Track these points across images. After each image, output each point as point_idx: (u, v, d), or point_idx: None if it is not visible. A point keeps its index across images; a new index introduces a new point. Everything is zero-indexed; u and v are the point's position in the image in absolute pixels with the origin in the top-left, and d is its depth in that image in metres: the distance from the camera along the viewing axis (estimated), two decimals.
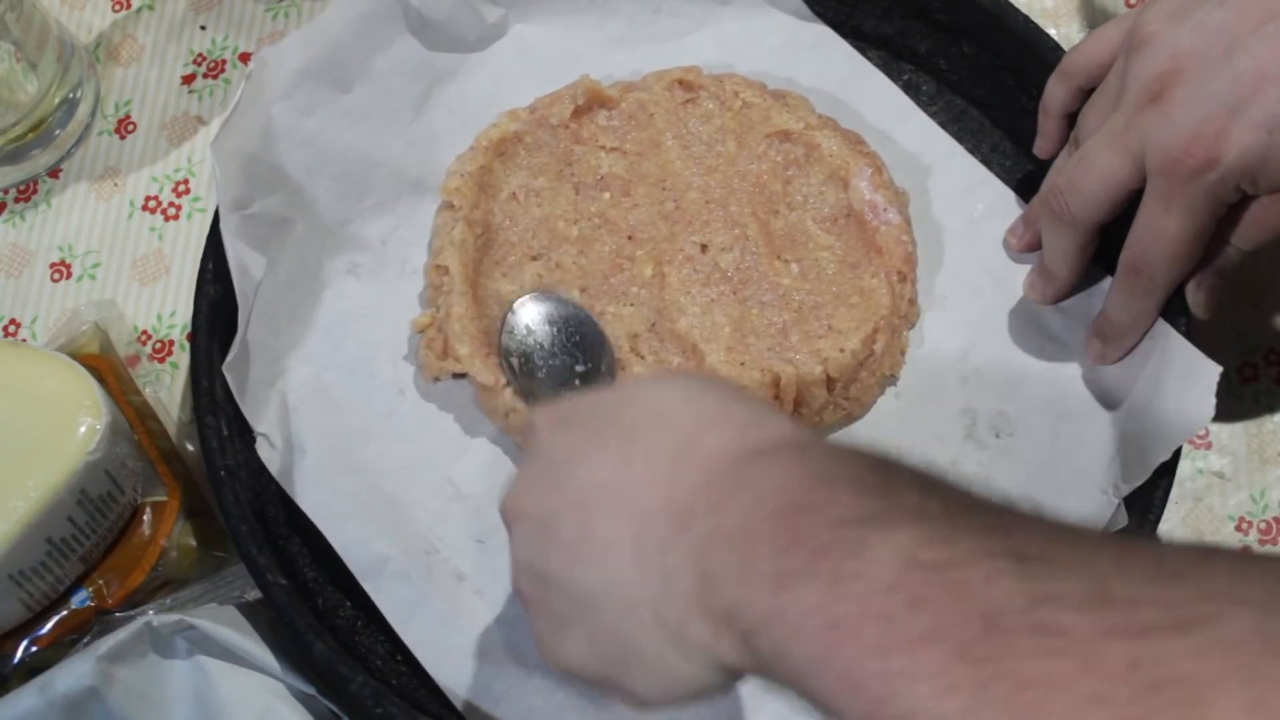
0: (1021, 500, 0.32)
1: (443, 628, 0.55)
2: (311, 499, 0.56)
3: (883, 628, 0.29)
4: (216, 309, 0.58)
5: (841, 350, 0.57)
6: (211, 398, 0.56)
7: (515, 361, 0.57)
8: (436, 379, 0.58)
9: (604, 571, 0.38)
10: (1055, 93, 0.58)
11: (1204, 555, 0.29)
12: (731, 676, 0.37)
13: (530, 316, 0.58)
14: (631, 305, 0.59)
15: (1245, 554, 0.28)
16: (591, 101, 0.63)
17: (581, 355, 0.57)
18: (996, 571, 0.29)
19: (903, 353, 0.59)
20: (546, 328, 0.58)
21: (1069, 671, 0.26)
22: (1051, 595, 0.28)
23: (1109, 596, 0.27)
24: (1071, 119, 0.57)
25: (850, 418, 0.59)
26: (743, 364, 0.57)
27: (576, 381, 0.57)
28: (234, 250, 0.56)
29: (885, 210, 0.60)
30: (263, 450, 0.56)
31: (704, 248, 0.60)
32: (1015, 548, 0.29)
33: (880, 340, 0.58)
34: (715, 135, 0.62)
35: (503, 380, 0.57)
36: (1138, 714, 0.25)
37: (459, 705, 0.53)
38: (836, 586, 0.30)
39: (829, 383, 0.57)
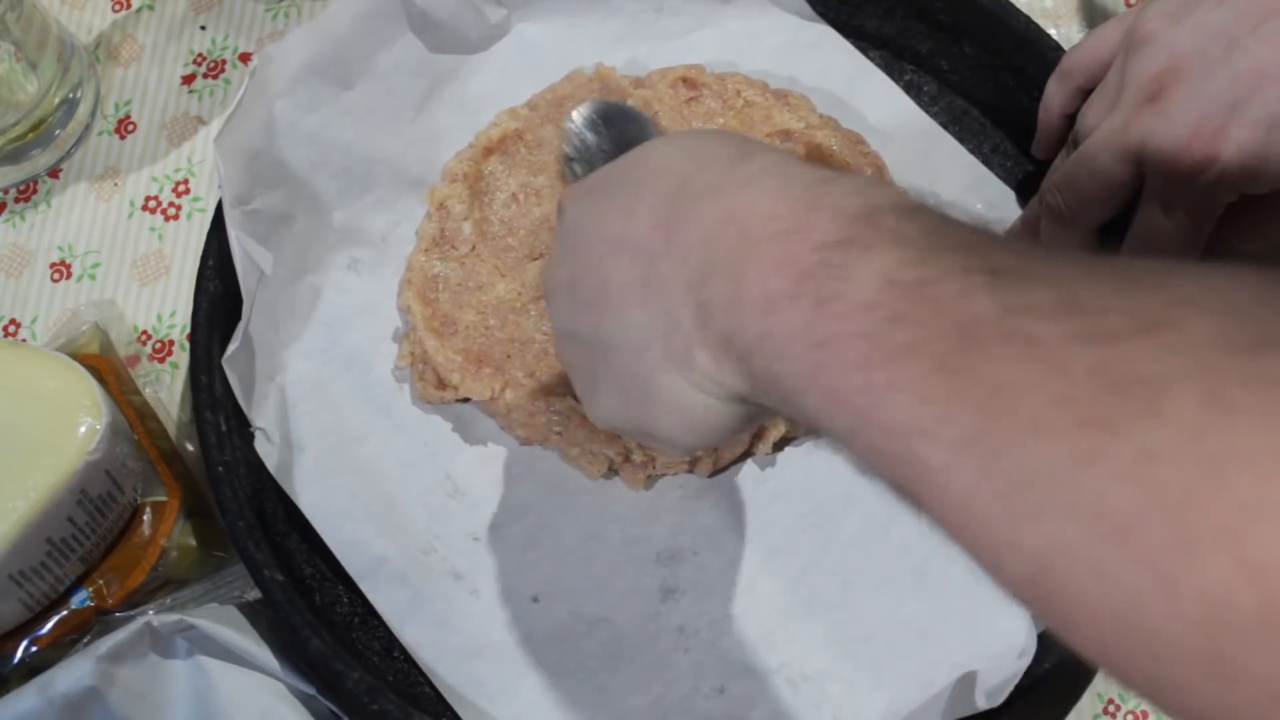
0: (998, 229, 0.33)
1: (440, 627, 0.55)
2: (309, 497, 0.56)
3: (864, 344, 0.31)
4: (216, 305, 0.58)
5: None
6: (210, 393, 0.56)
7: (576, 167, 0.58)
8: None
9: (620, 318, 0.39)
10: (1055, 93, 0.58)
11: (1169, 267, 0.29)
12: (743, 407, 0.38)
13: (586, 120, 0.59)
14: None
15: (1209, 264, 0.29)
16: (605, 92, 0.63)
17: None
18: (971, 286, 0.30)
19: None
20: (603, 129, 0.59)
21: (1037, 376, 0.27)
22: (1023, 306, 0.29)
23: (1077, 306, 0.28)
24: (1071, 120, 0.57)
25: None
26: None
27: None
28: (239, 245, 0.56)
29: None
30: (260, 445, 0.56)
31: None
32: (990, 264, 0.30)
33: None
34: None
35: (498, 387, 0.57)
36: (1100, 412, 0.26)
37: (455, 703, 0.53)
38: (820, 307, 0.32)
39: None
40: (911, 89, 0.65)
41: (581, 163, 0.59)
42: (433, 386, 0.58)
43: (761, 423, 0.40)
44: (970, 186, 0.63)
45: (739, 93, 0.63)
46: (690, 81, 0.63)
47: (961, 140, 0.64)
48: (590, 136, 0.59)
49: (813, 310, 0.32)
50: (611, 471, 0.58)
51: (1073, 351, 0.27)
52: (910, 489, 0.30)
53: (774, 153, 0.39)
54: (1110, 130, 0.52)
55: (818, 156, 0.61)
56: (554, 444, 0.58)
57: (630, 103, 0.59)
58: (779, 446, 0.58)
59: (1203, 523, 0.24)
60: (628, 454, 0.56)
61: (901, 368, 0.30)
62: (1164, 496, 0.25)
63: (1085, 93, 0.56)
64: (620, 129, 0.59)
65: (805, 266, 0.33)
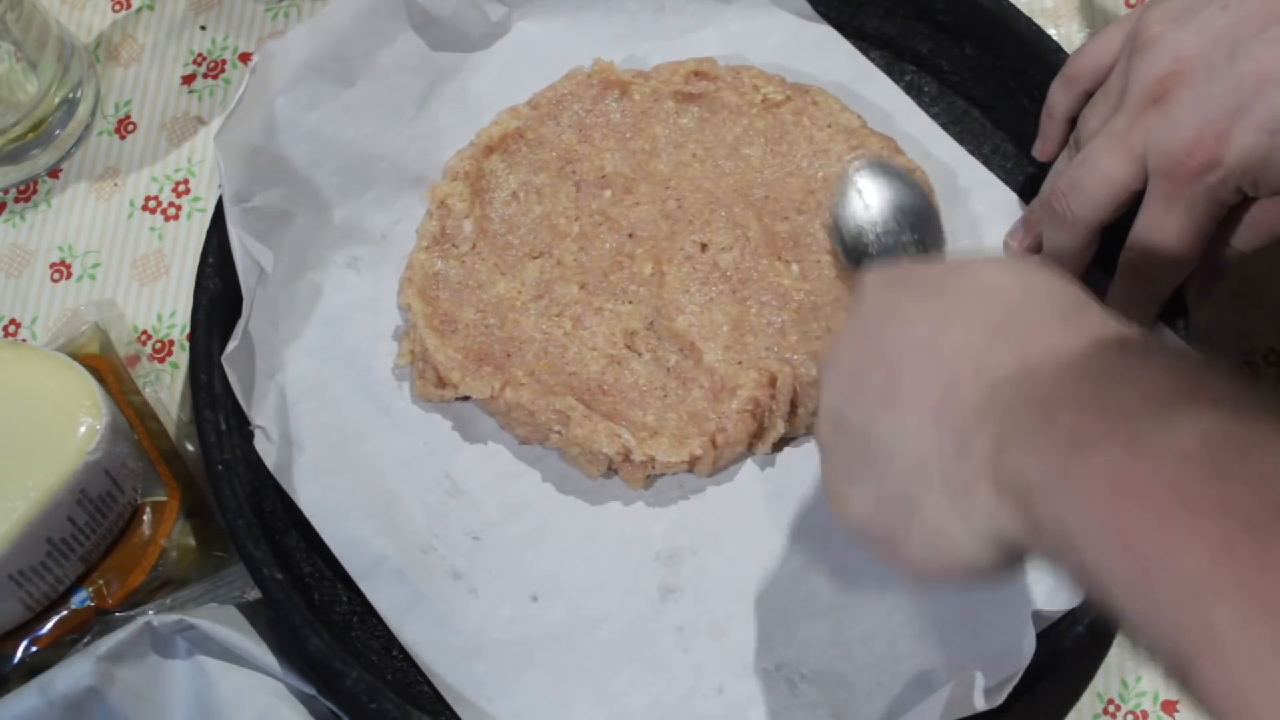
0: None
1: (438, 626, 0.55)
2: (308, 496, 0.56)
3: (1170, 494, 0.29)
4: (216, 303, 0.58)
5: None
6: (210, 392, 0.56)
7: (847, 235, 0.58)
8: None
9: (904, 424, 0.38)
10: (1058, 97, 0.57)
11: None
12: (1004, 556, 0.37)
13: (867, 188, 0.58)
14: (630, 303, 0.59)
15: None
16: (605, 86, 0.63)
17: (910, 229, 0.57)
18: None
19: None
20: (881, 200, 0.58)
21: None
22: None
23: None
24: (1074, 123, 0.57)
25: None
26: (740, 363, 0.57)
27: (904, 253, 0.57)
28: (239, 242, 0.56)
29: None
30: (260, 443, 0.56)
31: (704, 246, 0.60)
32: None
33: None
34: (741, 137, 0.62)
35: (497, 385, 0.57)
36: None
37: (454, 702, 0.53)
38: (1132, 452, 0.30)
39: None
40: (912, 89, 0.65)
41: (851, 227, 0.58)
42: (432, 385, 0.58)
43: (1010, 574, 0.40)
44: (970, 188, 0.62)
45: (756, 87, 0.63)
46: (702, 74, 0.63)
47: (962, 141, 0.63)
48: (869, 204, 0.58)
49: (1124, 453, 0.30)
50: (611, 471, 0.58)
51: None
52: (1187, 653, 0.28)
53: (1109, 313, 0.38)
54: (1113, 132, 0.52)
55: (893, 152, 0.61)
56: (553, 443, 0.58)
57: (900, 168, 0.59)
58: (778, 446, 0.58)
59: None
60: (628, 453, 0.56)
61: (1208, 523, 0.28)
62: None
63: (1089, 96, 0.56)
64: (895, 198, 0.58)
65: (1125, 410, 0.31)
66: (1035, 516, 0.33)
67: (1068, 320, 0.37)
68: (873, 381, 0.40)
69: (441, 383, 0.58)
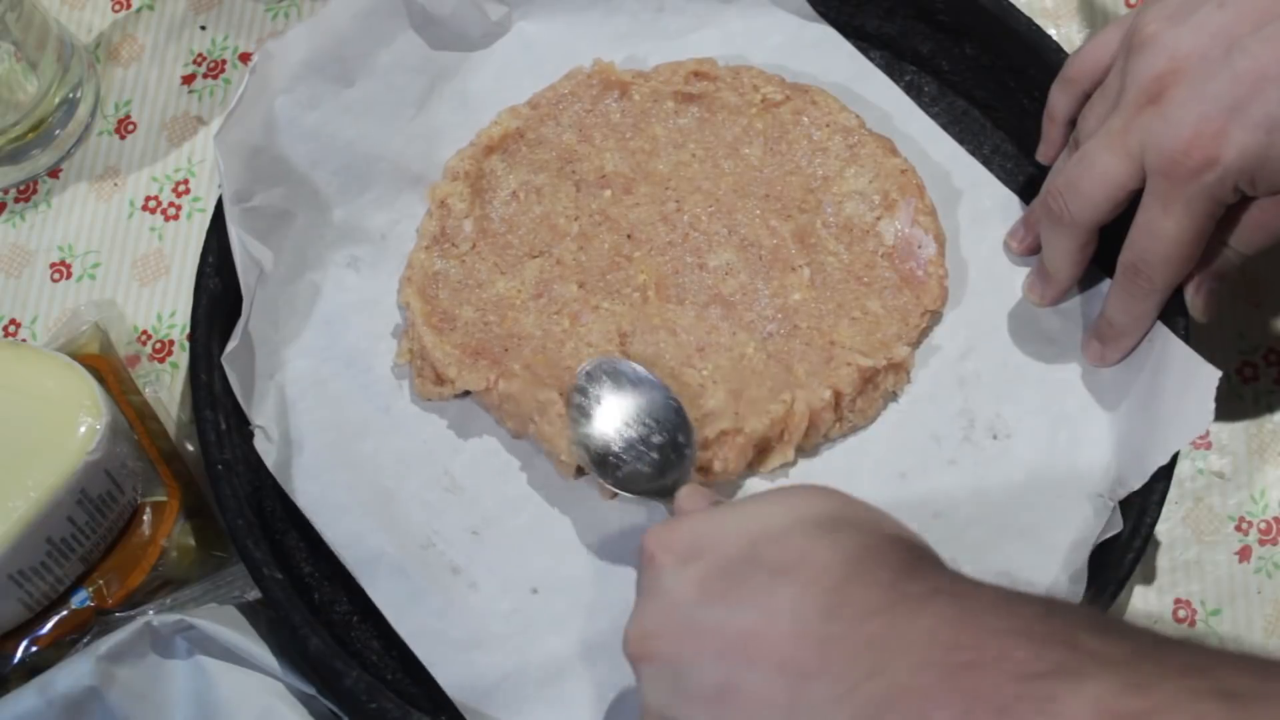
0: (1209, 637, 0.31)
1: (438, 621, 0.55)
2: (307, 493, 0.56)
3: None
4: (216, 303, 0.58)
5: (849, 365, 0.57)
6: (210, 391, 0.56)
7: (593, 450, 0.54)
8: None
9: None
10: (1059, 100, 0.57)
11: None
12: None
13: (603, 396, 0.55)
14: (626, 304, 0.59)
15: None
16: (605, 86, 0.63)
17: (656, 425, 0.54)
18: (1205, 714, 0.27)
19: (908, 372, 0.59)
20: (617, 398, 0.55)
21: None
22: None
23: None
24: (1075, 125, 0.57)
25: (855, 429, 0.59)
26: (737, 413, 0.56)
27: (654, 455, 0.54)
28: (239, 242, 0.56)
29: (921, 247, 0.60)
30: (260, 443, 0.56)
31: (702, 267, 0.60)
32: (1221, 686, 0.28)
33: (889, 375, 0.58)
34: (741, 137, 0.62)
35: (492, 377, 0.57)
36: None
37: (454, 697, 0.53)
38: None
39: (837, 399, 0.57)
40: (912, 89, 0.65)
41: (596, 439, 0.54)
42: (431, 383, 0.58)
43: None
44: (970, 188, 0.63)
45: (756, 87, 0.63)
46: (702, 74, 0.63)
47: (961, 141, 0.63)
48: (603, 401, 0.54)
49: None
50: (581, 471, 0.57)
51: None
52: None
53: (938, 564, 0.36)
54: (1111, 131, 0.52)
55: (888, 152, 0.61)
56: (531, 434, 0.57)
57: (636, 366, 0.56)
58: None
59: None
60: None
61: None
62: None
63: (1088, 97, 0.56)
64: (632, 395, 0.55)
65: (1004, 700, 0.30)
66: None
67: (900, 591, 0.35)
68: (705, 680, 0.38)
69: (440, 380, 0.58)
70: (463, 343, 0.58)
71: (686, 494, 0.49)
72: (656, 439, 0.54)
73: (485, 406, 0.59)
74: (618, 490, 0.54)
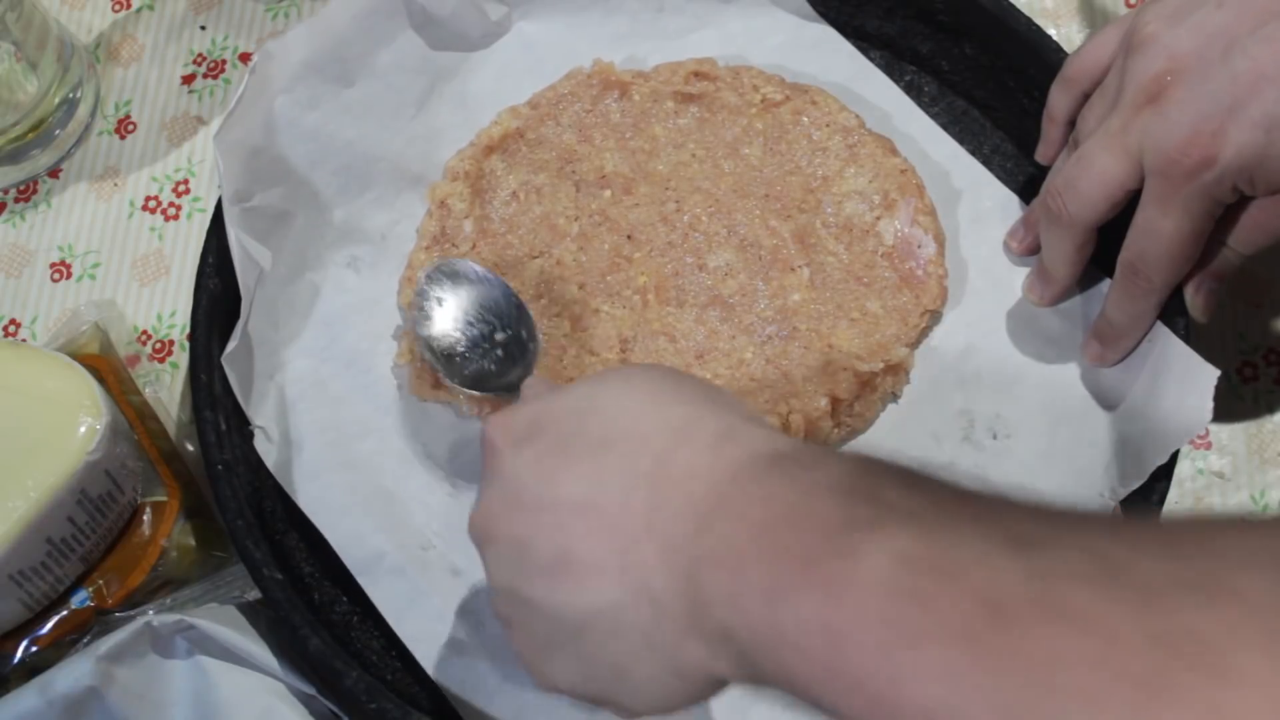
0: (1014, 490, 0.32)
1: (438, 622, 0.55)
2: (308, 494, 0.56)
3: (885, 629, 0.29)
4: (216, 303, 0.58)
5: (846, 370, 0.57)
6: (210, 392, 0.56)
7: (439, 350, 0.54)
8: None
9: (590, 595, 0.37)
10: (1058, 100, 0.57)
11: (1207, 525, 0.28)
12: (729, 683, 0.37)
13: (444, 297, 0.55)
14: (626, 308, 0.59)
15: (1246, 520, 0.28)
16: (605, 86, 0.63)
17: (499, 322, 0.55)
18: (993, 557, 0.28)
19: (908, 373, 0.59)
20: (461, 304, 0.55)
21: (1082, 647, 0.26)
22: (1055, 573, 0.27)
23: (1118, 571, 0.27)
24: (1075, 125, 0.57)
25: (854, 433, 0.59)
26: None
27: (499, 352, 0.55)
28: (238, 242, 0.56)
29: (920, 247, 0.60)
30: (260, 443, 0.56)
31: (702, 267, 0.60)
32: (1011, 532, 0.29)
33: (888, 377, 0.58)
34: (740, 137, 0.62)
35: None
36: (1156, 679, 0.24)
37: (453, 700, 0.53)
38: (832, 595, 0.30)
39: (834, 406, 0.57)
40: (912, 89, 0.65)
41: (438, 339, 0.54)
42: (429, 385, 0.58)
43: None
44: (970, 188, 0.63)
45: (756, 87, 0.63)
46: (702, 75, 0.63)
47: (961, 141, 0.63)
48: (434, 300, 0.55)
49: (824, 598, 0.30)
50: (438, 386, 0.57)
51: (1118, 618, 0.26)
52: None
53: (755, 424, 0.37)
54: (1109, 131, 0.52)
55: (888, 152, 0.61)
56: None
57: (474, 265, 0.56)
58: None
59: None
60: None
61: (927, 649, 0.28)
62: None
63: (1088, 98, 0.56)
64: (471, 293, 0.55)
65: (811, 552, 0.31)
66: (754, 666, 0.33)
67: (720, 454, 0.36)
68: (542, 554, 0.39)
69: (438, 383, 0.58)
70: None
71: (529, 384, 0.49)
72: (500, 335, 0.55)
73: (481, 416, 0.59)
74: (466, 389, 0.54)
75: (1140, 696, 0.24)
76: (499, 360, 0.54)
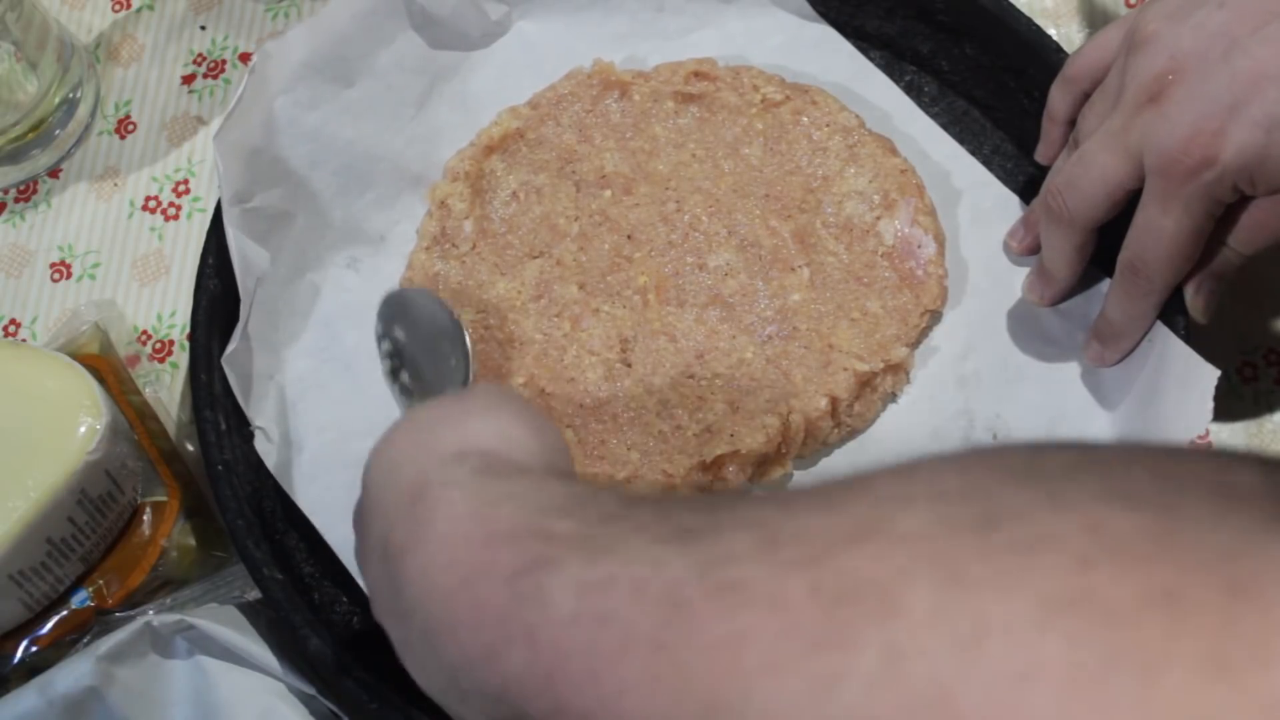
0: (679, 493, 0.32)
1: None
2: (308, 494, 0.56)
3: (584, 659, 0.29)
4: (216, 303, 0.58)
5: (845, 370, 0.57)
6: (210, 392, 0.56)
7: (405, 378, 0.52)
8: None
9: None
10: (1058, 100, 0.57)
11: (867, 476, 0.28)
12: None
13: (385, 322, 0.53)
14: (626, 308, 0.59)
15: (898, 465, 0.28)
16: (605, 86, 0.63)
17: (449, 346, 0.53)
18: (664, 555, 0.29)
19: (908, 373, 0.59)
20: (414, 330, 0.53)
21: (754, 619, 0.26)
22: (721, 557, 0.28)
23: (777, 540, 0.27)
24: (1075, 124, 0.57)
25: (854, 433, 0.59)
26: (734, 433, 0.56)
27: (452, 361, 0.52)
28: (237, 243, 0.56)
29: (920, 247, 0.59)
30: (260, 444, 0.56)
31: (702, 267, 0.60)
32: (678, 527, 0.30)
33: (888, 377, 0.58)
34: (741, 137, 0.62)
35: None
36: (831, 634, 0.24)
37: None
38: (533, 640, 0.31)
39: (834, 406, 0.57)
40: (912, 90, 0.65)
41: (407, 370, 0.52)
42: None
43: None
44: (970, 188, 0.62)
45: (756, 87, 0.62)
46: (702, 75, 0.63)
47: (962, 141, 0.63)
48: (399, 334, 0.53)
49: (527, 645, 0.31)
50: None
51: (784, 582, 0.26)
52: None
53: (445, 469, 0.38)
54: (1110, 130, 0.52)
55: (888, 152, 0.61)
56: None
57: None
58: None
59: (964, 712, 0.22)
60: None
61: (623, 667, 0.28)
62: (919, 692, 0.23)
63: (1089, 97, 0.56)
64: (414, 319, 0.53)
65: (503, 605, 0.32)
66: (514, 715, 0.33)
67: (413, 517, 0.37)
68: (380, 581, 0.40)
69: None
70: None
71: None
72: (454, 361, 0.52)
73: None
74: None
75: (822, 655, 0.24)
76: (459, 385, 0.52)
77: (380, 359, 0.53)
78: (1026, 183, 0.62)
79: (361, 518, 0.42)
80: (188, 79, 0.70)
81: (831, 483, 0.29)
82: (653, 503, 0.32)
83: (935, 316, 0.60)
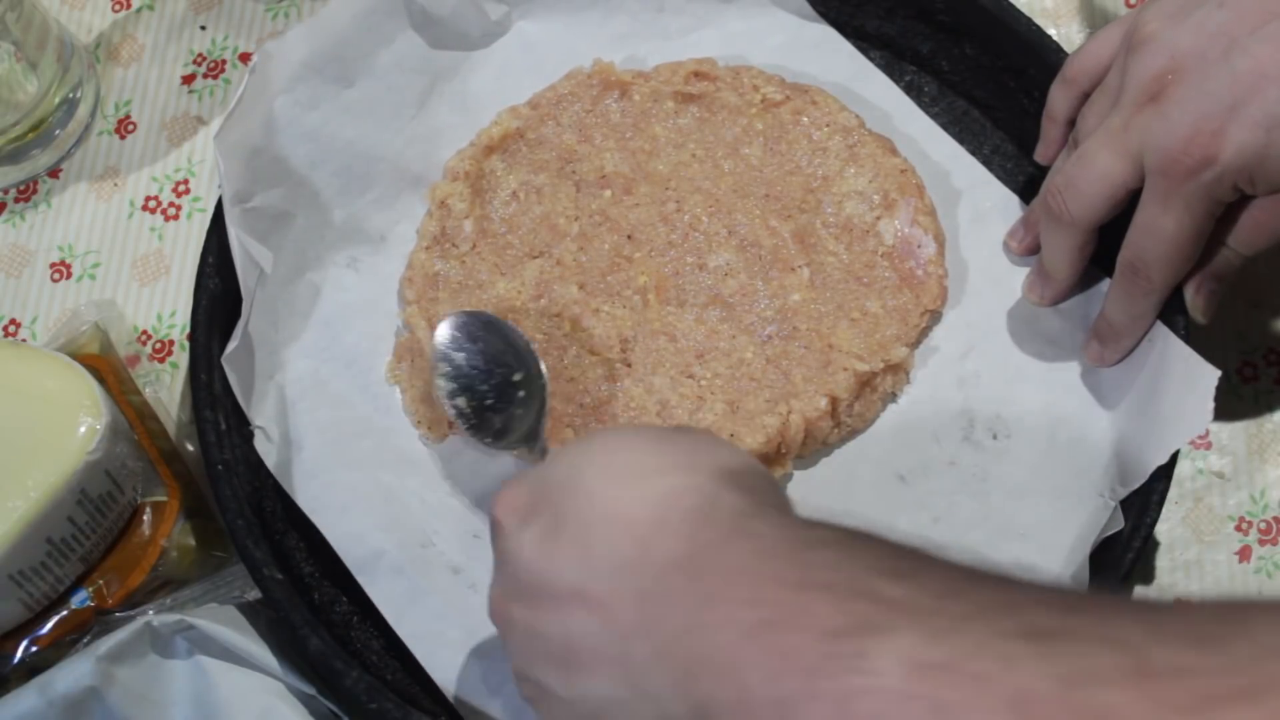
0: (1013, 568, 0.31)
1: (437, 621, 0.55)
2: (307, 492, 0.56)
3: None
4: (216, 303, 0.58)
5: (845, 370, 0.57)
6: (210, 391, 0.56)
7: (462, 400, 0.53)
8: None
9: (597, 688, 0.37)
10: (1058, 99, 0.57)
11: (1238, 611, 0.27)
12: None
13: (451, 338, 0.53)
14: (626, 308, 0.59)
15: (1274, 603, 0.26)
16: (605, 86, 0.63)
17: (515, 362, 0.53)
18: (1015, 655, 0.27)
19: (908, 373, 0.59)
20: (473, 345, 0.53)
21: None
22: (1084, 673, 0.26)
23: (1150, 668, 0.25)
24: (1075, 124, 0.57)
25: (854, 433, 0.59)
26: (734, 434, 0.56)
27: (521, 393, 0.53)
28: (239, 242, 0.56)
29: (920, 247, 0.59)
30: (260, 443, 0.56)
31: (702, 267, 0.60)
32: (1028, 625, 0.28)
33: (888, 377, 0.58)
34: (741, 137, 0.62)
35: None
36: None
37: (453, 700, 0.53)
38: (846, 708, 0.29)
39: (834, 406, 0.57)
40: (912, 90, 0.65)
41: (463, 393, 0.53)
42: (427, 427, 0.59)
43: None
44: (970, 188, 0.63)
45: (756, 87, 0.63)
46: (702, 75, 0.63)
47: (962, 141, 0.63)
48: (458, 356, 0.53)
49: (836, 709, 0.29)
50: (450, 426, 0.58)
51: None
52: None
53: (734, 490, 0.36)
54: (1110, 130, 0.52)
55: (888, 152, 0.61)
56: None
57: (493, 315, 0.55)
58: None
59: None
60: None
61: None
62: None
63: (1088, 97, 0.56)
64: (485, 338, 0.53)
65: (813, 661, 0.30)
66: None
67: (698, 541, 0.35)
68: (550, 643, 0.38)
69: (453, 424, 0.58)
70: None
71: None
72: (518, 376, 0.53)
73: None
74: (495, 448, 0.53)
75: None
76: (519, 406, 0.53)
77: (439, 376, 0.52)
78: (1026, 183, 0.63)
79: (557, 524, 0.39)
80: (188, 79, 0.70)
81: (1193, 606, 0.27)
82: (994, 583, 0.30)
83: (935, 316, 0.60)
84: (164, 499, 0.58)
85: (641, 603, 0.35)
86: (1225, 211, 0.51)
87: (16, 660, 0.56)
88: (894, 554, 0.32)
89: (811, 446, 0.58)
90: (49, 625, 0.56)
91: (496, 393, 0.53)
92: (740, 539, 0.34)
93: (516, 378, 0.53)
